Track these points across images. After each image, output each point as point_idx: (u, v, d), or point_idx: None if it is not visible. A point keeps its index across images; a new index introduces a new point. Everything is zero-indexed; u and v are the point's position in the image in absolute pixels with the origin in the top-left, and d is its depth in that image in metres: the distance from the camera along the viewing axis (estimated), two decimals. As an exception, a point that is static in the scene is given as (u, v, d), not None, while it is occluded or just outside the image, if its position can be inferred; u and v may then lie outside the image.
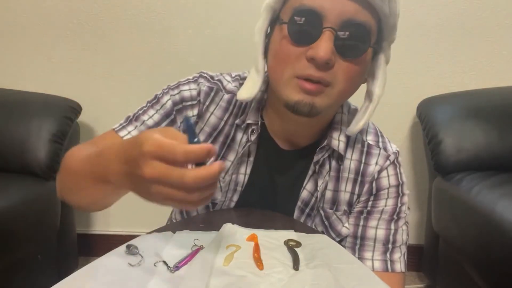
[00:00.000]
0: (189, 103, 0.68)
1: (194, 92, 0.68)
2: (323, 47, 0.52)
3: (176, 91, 0.68)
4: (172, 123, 0.67)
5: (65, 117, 1.37)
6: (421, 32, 1.49)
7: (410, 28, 1.49)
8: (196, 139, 0.38)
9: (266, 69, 0.63)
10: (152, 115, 0.67)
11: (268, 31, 0.62)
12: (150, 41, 1.54)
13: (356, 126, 0.63)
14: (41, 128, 1.31)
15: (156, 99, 0.68)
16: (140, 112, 0.68)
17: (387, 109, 1.55)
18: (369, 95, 0.63)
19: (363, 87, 0.64)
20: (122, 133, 0.66)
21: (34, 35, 1.55)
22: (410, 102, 1.52)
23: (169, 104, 0.67)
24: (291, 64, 0.55)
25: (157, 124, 0.66)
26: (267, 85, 0.67)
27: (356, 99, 0.68)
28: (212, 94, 0.68)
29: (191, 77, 0.70)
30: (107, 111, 1.61)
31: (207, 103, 0.68)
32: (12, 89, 1.46)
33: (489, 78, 1.51)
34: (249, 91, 0.62)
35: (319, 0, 0.52)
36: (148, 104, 0.68)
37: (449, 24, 1.49)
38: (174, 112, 0.67)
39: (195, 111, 0.68)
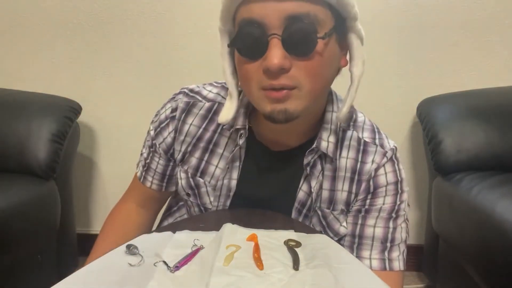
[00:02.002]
0: (164, 123, 0.72)
1: (168, 111, 0.72)
2: (273, 55, 0.51)
3: (155, 119, 0.74)
4: (155, 151, 0.74)
5: (65, 117, 1.37)
6: (421, 32, 1.49)
7: (410, 28, 1.49)
8: None
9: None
10: (144, 147, 0.77)
11: (233, 51, 0.62)
12: (150, 41, 1.54)
13: (340, 113, 0.62)
14: (41, 128, 1.31)
15: (147, 132, 0.76)
16: (145, 154, 0.77)
17: (387, 109, 1.56)
18: (351, 77, 0.62)
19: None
20: (148, 184, 0.77)
21: (34, 35, 1.55)
22: (410, 102, 1.52)
23: (152, 133, 0.74)
24: (254, 80, 0.56)
25: (147, 155, 0.76)
26: None
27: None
28: (188, 108, 0.71)
29: (171, 97, 0.74)
30: (107, 111, 1.62)
31: (182, 117, 0.70)
32: (12, 89, 1.46)
33: (489, 78, 1.51)
34: (227, 115, 0.63)
35: (255, 11, 0.52)
36: (146, 140, 0.77)
37: (449, 24, 1.49)
38: (154, 137, 0.73)
39: (171, 127, 0.71)
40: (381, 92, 1.54)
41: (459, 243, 1.19)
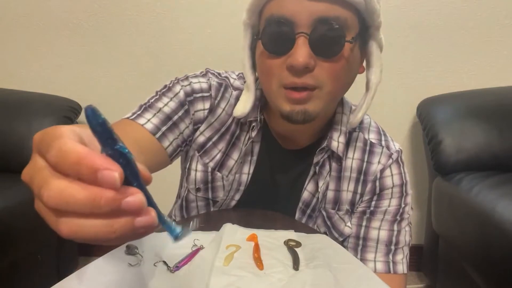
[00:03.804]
0: (200, 95, 0.66)
1: (205, 85, 0.67)
2: (299, 53, 0.51)
3: (186, 82, 0.67)
4: (186, 113, 0.66)
5: (65, 117, 1.38)
6: (421, 32, 1.49)
7: (410, 28, 1.49)
8: (113, 148, 0.24)
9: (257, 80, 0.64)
10: (167, 103, 0.64)
11: (254, 46, 0.62)
12: (150, 41, 1.54)
13: (355, 118, 0.63)
14: (41, 128, 1.27)
15: (167, 88, 0.66)
16: (153, 100, 0.65)
17: (387, 109, 1.56)
18: (367, 85, 0.63)
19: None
20: (141, 121, 0.62)
21: (34, 35, 1.55)
22: (410, 102, 1.52)
23: (181, 93, 0.65)
24: (275, 76, 0.55)
25: (173, 111, 0.64)
26: None
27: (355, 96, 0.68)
28: (222, 89, 0.68)
29: (198, 72, 0.69)
30: (107, 111, 1.60)
31: (218, 99, 0.68)
32: (12, 89, 1.46)
33: (489, 78, 1.51)
34: (243, 108, 0.63)
35: (286, 7, 0.52)
36: (159, 93, 0.66)
37: (449, 24, 1.49)
38: (187, 103, 0.66)
39: (207, 105, 0.67)
40: (381, 92, 1.53)
41: (459, 243, 1.19)
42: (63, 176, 0.23)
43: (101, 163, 0.22)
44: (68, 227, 0.23)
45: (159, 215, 0.26)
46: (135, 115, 0.63)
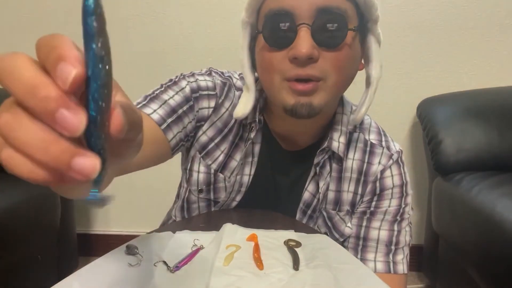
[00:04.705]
0: (206, 92, 0.66)
1: (211, 84, 0.67)
2: (303, 44, 0.51)
3: (192, 79, 0.66)
4: (191, 109, 0.65)
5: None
6: (421, 32, 1.49)
7: (410, 28, 1.49)
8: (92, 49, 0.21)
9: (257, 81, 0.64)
10: (173, 96, 0.63)
11: (253, 45, 0.62)
12: (150, 41, 1.54)
13: (358, 114, 0.63)
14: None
15: (173, 82, 0.66)
16: (158, 92, 0.64)
17: (387, 109, 1.56)
18: (368, 80, 0.63)
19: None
20: (147, 111, 0.61)
21: (34, 35, 1.54)
22: (410, 102, 1.52)
23: (187, 89, 0.65)
24: (277, 70, 0.55)
25: (178, 105, 0.63)
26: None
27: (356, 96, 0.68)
28: (226, 89, 0.68)
29: (203, 71, 0.69)
30: (107, 111, 1.61)
31: (222, 98, 0.67)
32: (12, 89, 1.46)
33: (489, 78, 1.51)
34: (243, 108, 0.63)
35: (285, 0, 0.52)
36: (164, 86, 0.65)
37: (449, 24, 1.49)
38: (192, 99, 0.65)
39: (212, 103, 0.67)
40: (381, 92, 1.53)
41: (459, 243, 1.19)
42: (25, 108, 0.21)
43: (74, 64, 0.20)
44: (5, 154, 0.20)
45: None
46: (141, 104, 0.62)
